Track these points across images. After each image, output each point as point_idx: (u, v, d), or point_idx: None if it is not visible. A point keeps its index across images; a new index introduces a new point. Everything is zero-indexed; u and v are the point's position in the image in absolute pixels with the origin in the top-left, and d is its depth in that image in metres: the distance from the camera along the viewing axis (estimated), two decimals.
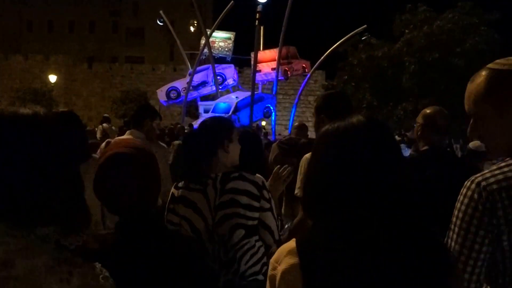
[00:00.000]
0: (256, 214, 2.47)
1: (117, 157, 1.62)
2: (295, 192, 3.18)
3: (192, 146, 2.55)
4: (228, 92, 27.22)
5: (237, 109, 23.60)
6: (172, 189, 2.62)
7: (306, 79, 28.41)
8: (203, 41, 26.20)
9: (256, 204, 2.45)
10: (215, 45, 28.01)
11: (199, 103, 26.85)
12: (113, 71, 47.23)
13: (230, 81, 27.37)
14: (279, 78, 25.98)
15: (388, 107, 24.47)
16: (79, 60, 47.93)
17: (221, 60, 28.33)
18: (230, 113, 22.78)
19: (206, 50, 25.50)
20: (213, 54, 26.10)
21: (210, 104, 25.24)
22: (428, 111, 3.25)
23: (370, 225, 1.16)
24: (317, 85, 42.14)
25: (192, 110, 32.46)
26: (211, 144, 2.52)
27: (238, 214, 2.43)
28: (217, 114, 22.08)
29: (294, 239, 1.22)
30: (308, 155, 2.79)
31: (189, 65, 27.33)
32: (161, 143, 5.08)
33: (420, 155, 3.15)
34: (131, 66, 47.71)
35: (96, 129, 15.04)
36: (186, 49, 28.82)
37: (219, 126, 2.58)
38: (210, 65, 26.12)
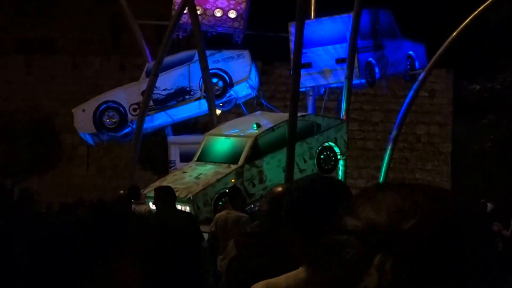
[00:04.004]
0: None
1: None
2: None
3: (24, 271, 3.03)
4: (237, 114, 29.28)
5: (257, 153, 24.84)
6: None
7: (415, 85, 30.33)
8: None
9: None
10: (209, 6, 30.03)
11: (171, 138, 29.37)
12: None
13: (241, 88, 29.62)
14: (356, 81, 27.71)
15: None
16: None
17: (221, 41, 30.73)
18: (240, 163, 24.26)
19: (186, 17, 27.88)
20: (204, 27, 28.97)
21: (194, 141, 26.84)
22: None
23: None
24: (439, 100, 43.69)
25: (154, 155, 32.51)
26: (68, 269, 2.93)
27: None
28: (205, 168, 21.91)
29: None
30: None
31: (148, 53, 30.27)
32: None
33: None
34: (27, 60, 49.24)
35: None
36: (145, 18, 31.83)
37: (87, 229, 3.06)
38: (195, 51, 28.14)
